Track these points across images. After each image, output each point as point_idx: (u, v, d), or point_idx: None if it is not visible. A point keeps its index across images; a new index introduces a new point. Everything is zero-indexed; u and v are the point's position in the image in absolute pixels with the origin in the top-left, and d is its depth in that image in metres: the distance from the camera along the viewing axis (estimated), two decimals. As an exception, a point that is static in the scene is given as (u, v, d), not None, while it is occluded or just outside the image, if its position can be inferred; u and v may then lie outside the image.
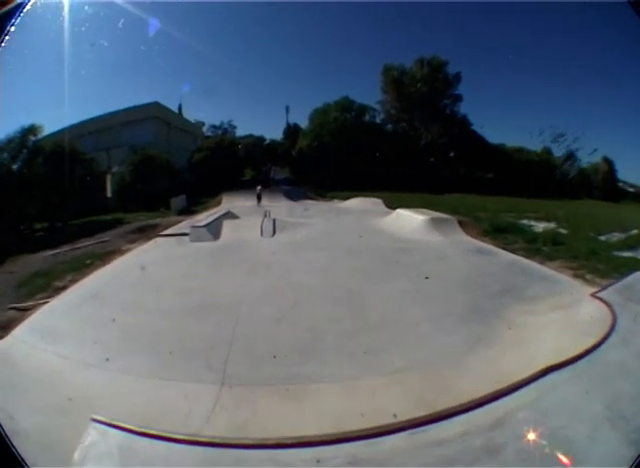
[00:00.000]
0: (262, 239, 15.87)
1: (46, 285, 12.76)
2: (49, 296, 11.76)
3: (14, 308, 11.15)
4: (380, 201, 21.72)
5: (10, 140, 18.30)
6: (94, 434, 5.27)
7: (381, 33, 22.52)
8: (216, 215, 18.30)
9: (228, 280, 11.89)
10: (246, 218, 18.46)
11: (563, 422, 5.20)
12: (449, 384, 7.28)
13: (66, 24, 16.36)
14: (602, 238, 15.54)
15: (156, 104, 22.99)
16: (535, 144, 24.81)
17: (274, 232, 16.31)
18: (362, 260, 13.17)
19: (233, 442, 5.27)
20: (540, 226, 17.49)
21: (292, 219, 18.14)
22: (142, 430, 5.33)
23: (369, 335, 9.03)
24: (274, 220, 17.19)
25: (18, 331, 9.69)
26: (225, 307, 10.28)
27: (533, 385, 5.94)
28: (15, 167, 18.69)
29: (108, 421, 5.46)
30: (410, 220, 17.05)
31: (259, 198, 22.95)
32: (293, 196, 23.47)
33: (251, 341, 8.88)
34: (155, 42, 18.70)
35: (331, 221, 18.24)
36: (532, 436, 4.94)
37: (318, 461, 4.80)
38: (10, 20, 6.80)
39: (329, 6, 21.96)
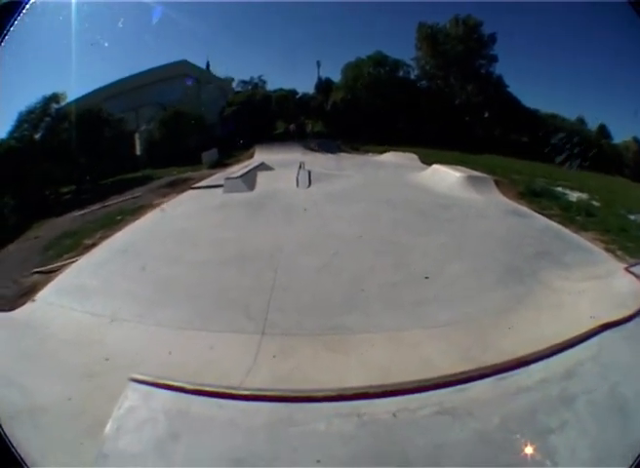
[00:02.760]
0: (298, 190, 15.36)
1: (74, 244, 12.48)
2: (77, 255, 11.46)
3: (38, 272, 10.89)
4: (415, 156, 21.07)
5: (31, 111, 17.95)
6: (133, 397, 4.75)
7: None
8: (250, 167, 17.81)
9: (266, 230, 11.50)
10: (281, 170, 17.94)
11: (618, 378, 5.07)
12: (492, 341, 7.11)
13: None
14: (632, 217, 15.19)
15: (184, 62, 22.64)
16: (569, 112, 24.05)
17: (310, 183, 15.83)
18: (401, 213, 12.71)
19: (308, 394, 4.85)
20: (573, 195, 16.93)
21: (327, 171, 17.57)
22: (196, 387, 4.77)
23: (412, 288, 8.78)
24: (309, 172, 16.66)
25: (43, 294, 9.46)
26: (264, 257, 9.98)
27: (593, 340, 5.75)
28: (37, 136, 18.38)
29: (152, 380, 4.88)
30: (446, 177, 16.53)
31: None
32: (328, 149, 22.68)
33: (292, 290, 8.64)
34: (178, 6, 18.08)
35: (367, 174, 17.66)
36: (600, 389, 4.88)
37: (405, 411, 4.46)
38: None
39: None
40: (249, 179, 16.24)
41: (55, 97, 18.40)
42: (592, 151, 17.82)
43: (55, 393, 5.78)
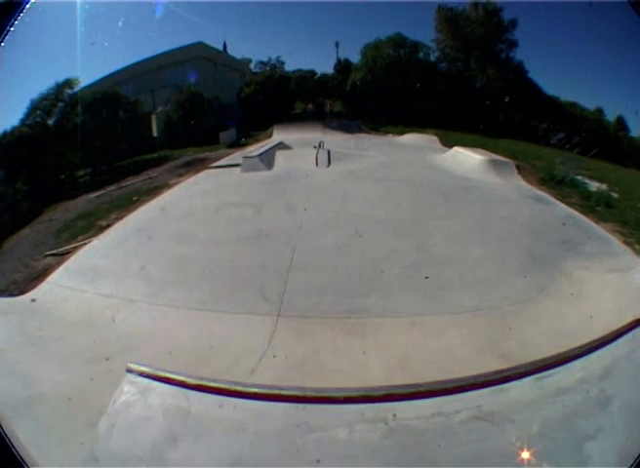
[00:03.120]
0: (318, 169, 15.13)
1: (89, 225, 12.41)
2: (91, 237, 11.33)
3: (51, 255, 10.79)
4: (435, 138, 20.93)
5: (44, 97, 17.98)
6: (130, 391, 4.22)
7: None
8: (268, 146, 17.50)
9: (284, 209, 11.29)
10: (299, 149, 17.67)
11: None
12: (515, 330, 6.91)
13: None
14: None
15: (201, 44, 22.56)
16: (588, 101, 23.79)
17: (329, 162, 15.61)
18: (422, 194, 12.48)
19: (327, 395, 4.22)
20: (593, 185, 16.78)
21: (347, 151, 17.31)
22: (199, 382, 4.18)
23: (433, 271, 8.49)
24: (329, 151, 16.43)
25: (54, 277, 9.30)
26: (282, 236, 9.76)
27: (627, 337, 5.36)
28: (50, 121, 18.36)
29: (151, 372, 4.34)
30: (468, 159, 16.23)
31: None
32: (348, 129, 22.44)
33: (310, 270, 8.42)
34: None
35: (388, 155, 17.30)
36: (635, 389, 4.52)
37: (439, 415, 3.95)
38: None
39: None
40: (267, 158, 16.00)
41: (68, 83, 18.41)
42: (593, 152, 17.39)
43: (57, 380, 5.62)
